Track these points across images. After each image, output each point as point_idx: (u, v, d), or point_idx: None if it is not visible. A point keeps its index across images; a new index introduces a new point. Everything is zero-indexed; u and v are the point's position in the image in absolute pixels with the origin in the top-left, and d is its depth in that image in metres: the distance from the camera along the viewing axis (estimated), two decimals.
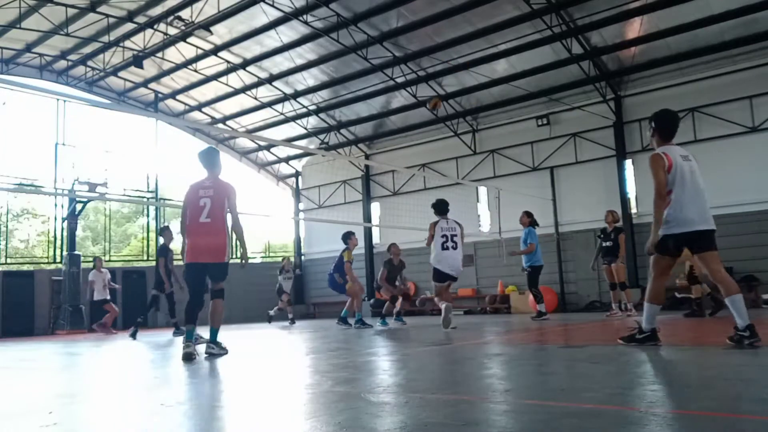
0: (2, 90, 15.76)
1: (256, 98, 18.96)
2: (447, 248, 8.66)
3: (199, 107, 20.57)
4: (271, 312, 14.38)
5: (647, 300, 4.88)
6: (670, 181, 4.73)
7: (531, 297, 15.02)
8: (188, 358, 5.30)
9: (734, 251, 13.51)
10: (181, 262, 6.19)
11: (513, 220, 15.93)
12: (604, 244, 10.72)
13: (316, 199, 21.68)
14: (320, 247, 20.96)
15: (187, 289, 5.97)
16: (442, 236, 8.66)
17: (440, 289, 8.83)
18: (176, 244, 9.40)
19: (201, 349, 7.19)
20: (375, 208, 20.29)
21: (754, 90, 13.46)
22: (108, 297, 13.63)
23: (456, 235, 8.72)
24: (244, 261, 5.96)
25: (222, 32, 16.33)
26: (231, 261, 5.85)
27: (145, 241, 20.43)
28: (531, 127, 16.58)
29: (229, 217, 5.72)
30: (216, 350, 5.68)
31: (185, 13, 15.24)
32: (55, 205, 17.83)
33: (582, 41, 14.05)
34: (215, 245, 5.56)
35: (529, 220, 11.54)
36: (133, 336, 10.43)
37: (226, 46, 16.91)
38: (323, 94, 18.60)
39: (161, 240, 11.43)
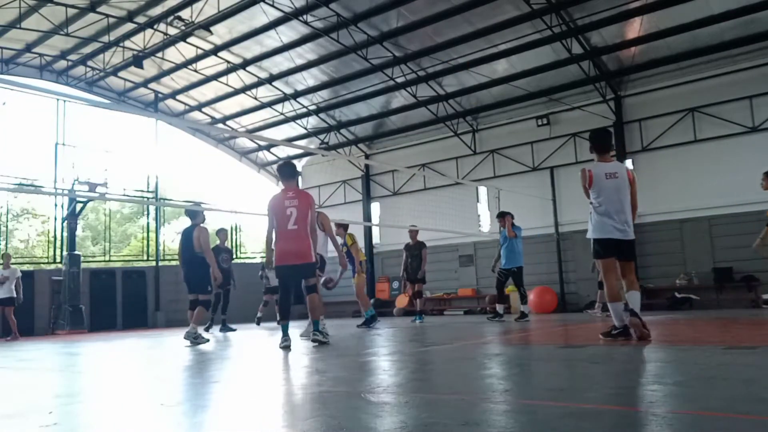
0: (2, 90, 15.76)
1: (256, 98, 18.95)
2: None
3: (199, 107, 20.56)
4: (259, 314, 14.16)
5: (608, 300, 5.65)
6: (591, 193, 5.60)
7: (533, 297, 15.07)
8: (287, 349, 5.99)
9: (734, 251, 13.52)
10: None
11: (513, 220, 15.98)
12: None
13: (316, 199, 21.59)
14: None
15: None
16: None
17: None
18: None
19: (204, 347, 7.20)
20: (375, 208, 20.28)
21: (754, 90, 13.46)
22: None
23: None
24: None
25: (222, 32, 16.32)
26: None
27: (145, 241, 20.42)
28: (531, 127, 16.57)
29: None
30: (321, 338, 6.28)
31: (185, 13, 15.23)
32: (55, 205, 17.81)
33: (582, 41, 14.04)
34: (302, 249, 6.28)
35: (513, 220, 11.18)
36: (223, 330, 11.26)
37: (226, 46, 16.90)
38: (323, 94, 18.59)
39: (217, 240, 12.18)
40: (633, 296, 5.55)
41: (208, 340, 8.25)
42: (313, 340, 6.29)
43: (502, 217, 11.14)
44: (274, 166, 22.98)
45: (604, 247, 5.57)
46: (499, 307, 10.93)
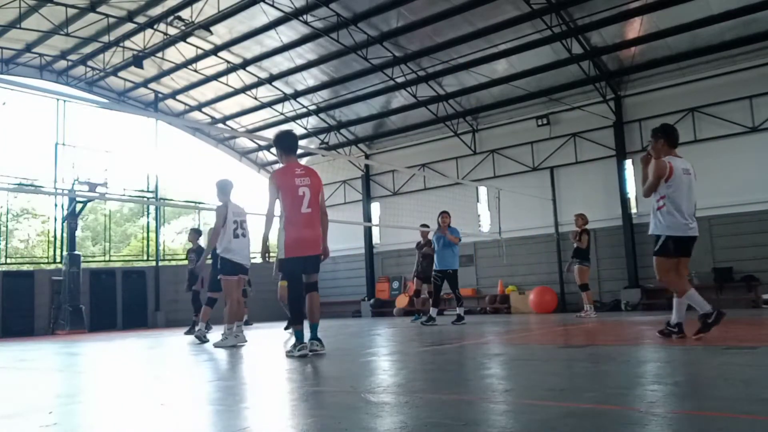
0: (2, 90, 15.75)
1: (256, 98, 18.96)
2: (237, 236, 7.37)
3: (199, 107, 20.56)
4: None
5: (682, 295, 5.58)
6: (666, 187, 5.38)
7: (533, 297, 15.07)
8: (305, 357, 5.01)
9: (734, 251, 13.52)
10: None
11: (513, 220, 16.00)
12: (574, 246, 11.48)
13: None
14: None
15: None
16: (233, 222, 7.35)
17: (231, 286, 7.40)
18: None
19: (204, 347, 7.19)
20: (375, 208, 20.28)
21: (754, 90, 13.45)
22: None
23: (245, 222, 7.57)
24: (324, 256, 5.48)
25: (222, 32, 16.32)
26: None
27: (145, 241, 20.42)
28: (531, 127, 16.57)
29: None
30: (320, 347, 5.32)
31: (185, 13, 15.23)
32: (55, 205, 17.82)
33: (582, 41, 14.03)
34: (317, 237, 5.30)
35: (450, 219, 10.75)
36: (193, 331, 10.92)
37: (226, 46, 16.90)
38: (323, 94, 18.59)
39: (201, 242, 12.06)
40: (694, 296, 5.48)
41: (207, 341, 8.29)
42: (311, 350, 5.24)
43: (447, 215, 10.72)
44: (275, 166, 22.97)
45: (677, 244, 5.42)
46: (433, 311, 10.39)
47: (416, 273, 12.25)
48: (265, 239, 5.34)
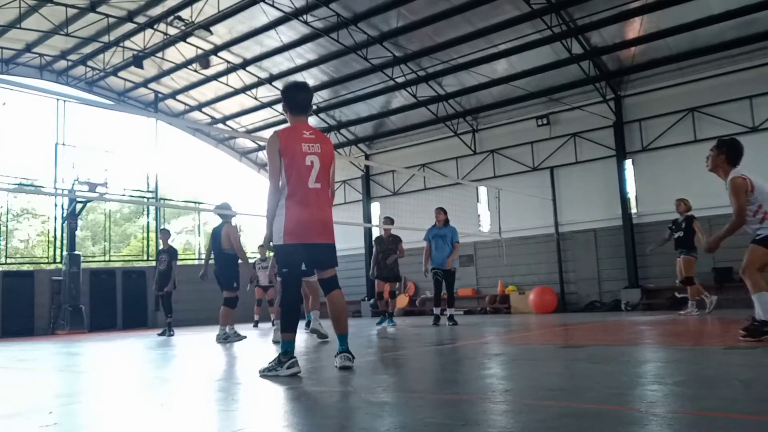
0: (2, 90, 15.76)
1: (256, 98, 18.96)
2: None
3: (199, 107, 20.57)
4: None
5: (753, 291, 5.56)
6: (756, 200, 5.44)
7: (533, 297, 15.06)
8: (295, 375, 3.98)
9: (734, 251, 13.42)
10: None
11: (513, 220, 16.00)
12: (675, 236, 10.30)
13: None
14: None
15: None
16: None
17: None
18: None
19: (206, 347, 7.18)
20: (375, 208, 20.28)
21: (754, 90, 13.45)
22: None
23: None
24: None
25: (222, 32, 16.33)
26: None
27: (145, 241, 20.42)
28: (531, 127, 16.56)
29: None
30: (351, 362, 4.15)
31: (185, 13, 15.23)
32: (55, 205, 17.82)
33: (582, 41, 14.03)
34: (328, 220, 4.20)
35: (445, 217, 10.43)
36: (168, 334, 11.05)
37: (226, 46, 16.91)
38: (323, 94, 18.59)
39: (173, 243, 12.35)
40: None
41: (245, 337, 8.35)
42: (342, 366, 4.12)
43: (441, 212, 10.48)
44: None
45: None
46: (437, 310, 10.18)
47: (377, 273, 10.84)
48: (271, 224, 4.14)
